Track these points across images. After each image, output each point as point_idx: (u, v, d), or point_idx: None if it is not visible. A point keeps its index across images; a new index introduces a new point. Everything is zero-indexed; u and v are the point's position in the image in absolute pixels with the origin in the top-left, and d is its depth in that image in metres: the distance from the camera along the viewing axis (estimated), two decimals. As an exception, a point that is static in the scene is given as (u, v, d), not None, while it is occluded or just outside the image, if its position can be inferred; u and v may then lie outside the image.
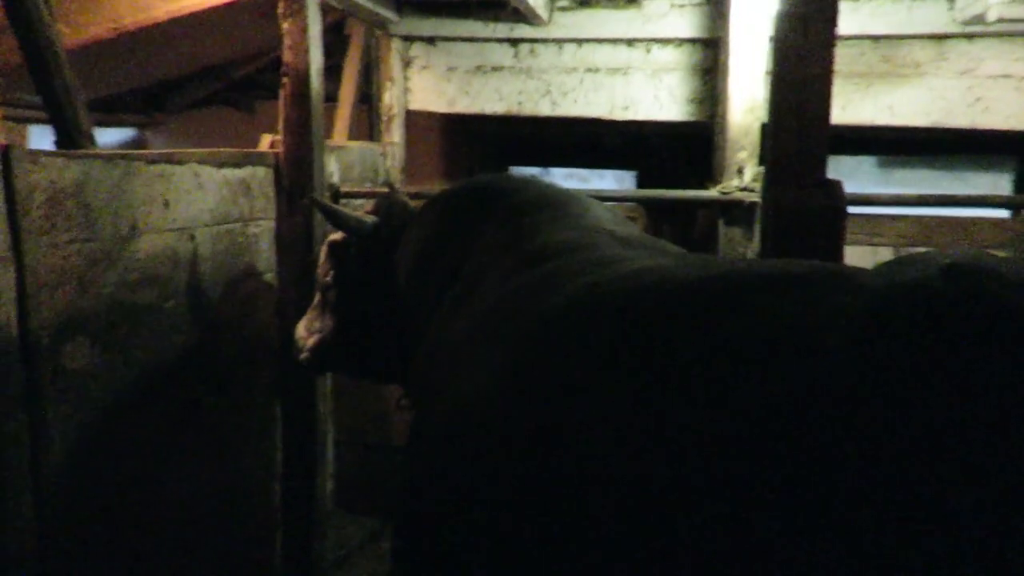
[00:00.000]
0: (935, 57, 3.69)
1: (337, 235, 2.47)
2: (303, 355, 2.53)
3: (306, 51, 2.92)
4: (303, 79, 2.92)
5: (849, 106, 3.71)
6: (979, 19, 3.40)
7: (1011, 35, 3.58)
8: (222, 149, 2.74)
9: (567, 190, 2.16)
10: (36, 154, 1.94)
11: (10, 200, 1.82)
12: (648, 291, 1.23)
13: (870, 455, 0.85)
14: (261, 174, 2.94)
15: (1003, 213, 4.22)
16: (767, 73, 3.29)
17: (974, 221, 3.31)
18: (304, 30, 2.90)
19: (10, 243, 1.82)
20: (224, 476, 2.79)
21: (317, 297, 2.55)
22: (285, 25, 2.92)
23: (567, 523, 1.12)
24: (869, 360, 0.90)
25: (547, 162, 6.12)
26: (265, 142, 3.07)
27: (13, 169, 1.83)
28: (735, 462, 0.94)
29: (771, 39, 3.24)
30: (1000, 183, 4.94)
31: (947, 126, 3.75)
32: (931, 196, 3.09)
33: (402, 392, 2.52)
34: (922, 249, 2.91)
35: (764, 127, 3.34)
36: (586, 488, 1.08)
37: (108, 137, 6.35)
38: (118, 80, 4.95)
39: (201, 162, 2.60)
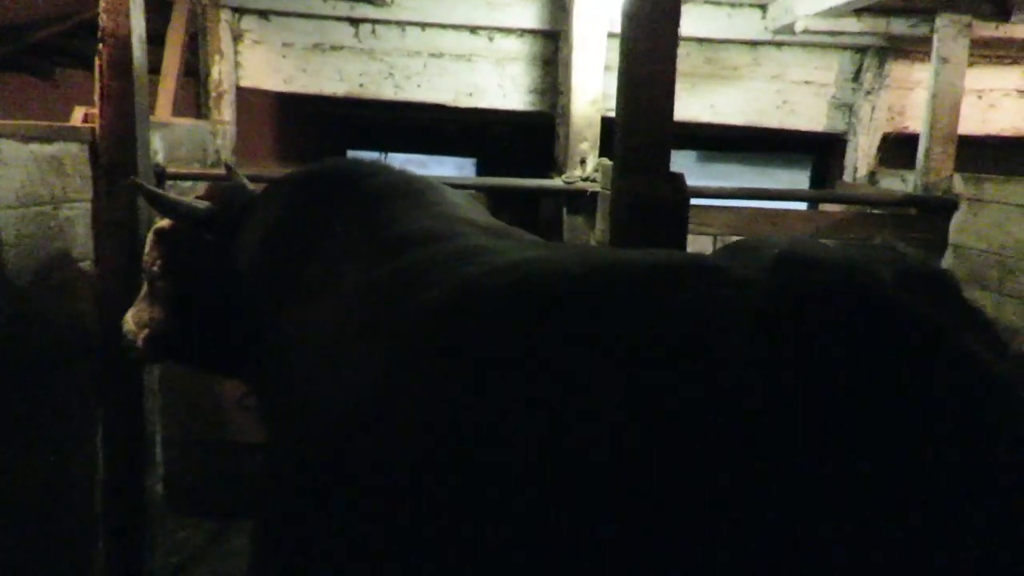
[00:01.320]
0: (750, 62, 4.03)
1: (165, 222, 2.28)
2: (133, 349, 2.32)
3: (127, 15, 2.64)
4: (124, 46, 2.65)
5: (678, 103, 3.94)
6: (788, 29, 3.75)
7: (814, 45, 3.98)
8: (28, 121, 2.43)
9: (422, 177, 2.13)
10: None
11: None
12: (537, 284, 1.23)
13: (780, 450, 0.88)
14: (75, 150, 2.64)
15: (803, 206, 4.71)
16: (607, 68, 3.44)
17: (785, 213, 3.66)
18: (125, -8, 2.63)
19: None
20: (35, 482, 2.49)
21: (145, 287, 2.34)
22: (102, -15, 2.63)
23: (454, 525, 1.11)
24: (772, 358, 0.94)
25: (387, 147, 6.02)
26: (78, 115, 2.75)
27: None
28: (642, 464, 0.94)
29: (610, 35, 3.40)
30: (799, 179, 5.51)
31: (760, 125, 4.12)
32: (757, 189, 3.38)
33: (245, 388, 2.38)
34: (737, 237, 3.17)
35: (606, 120, 3.50)
36: (483, 490, 1.07)
37: None
38: None
39: (3, 135, 2.29)
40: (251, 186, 2.44)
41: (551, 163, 3.76)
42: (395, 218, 1.76)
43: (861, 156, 4.02)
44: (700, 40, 3.98)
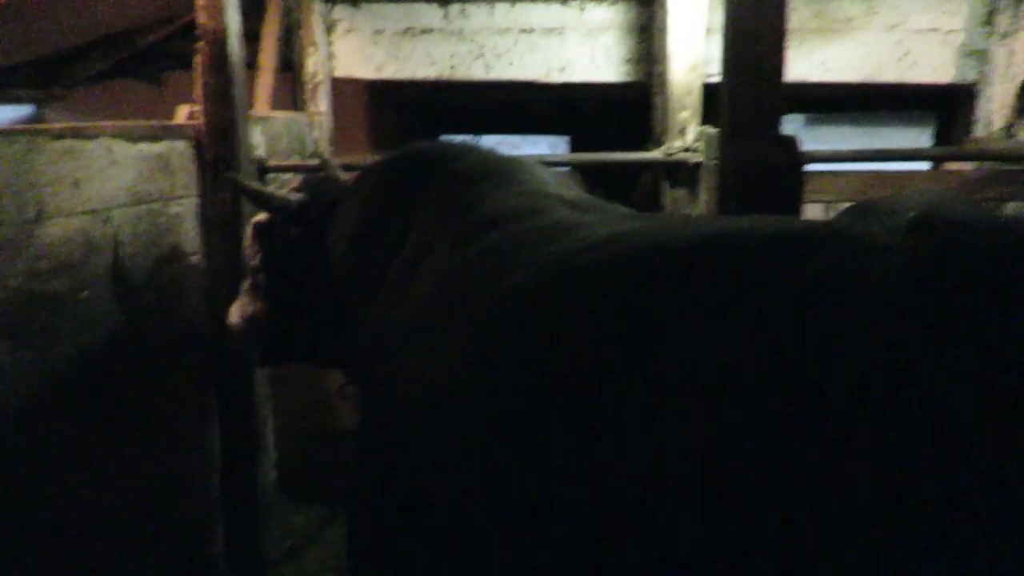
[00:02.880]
0: (866, 11, 3.71)
1: (262, 215, 2.31)
2: (238, 342, 2.38)
3: (223, 11, 2.69)
4: (221, 43, 2.69)
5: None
6: (907, -28, 3.43)
7: (937, -12, 3.63)
8: (137, 122, 2.51)
9: (510, 156, 2.07)
10: (-81, 130, 1.70)
11: None
12: (636, 259, 1.11)
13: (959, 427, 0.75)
14: (181, 148, 2.71)
15: (925, 165, 4.34)
16: (708, 31, 3.24)
17: (908, 175, 3.36)
18: (219, -12, 2.67)
19: None
20: (158, 471, 2.60)
21: (247, 281, 2.38)
22: (198, -16, 2.68)
23: (550, 521, 1.03)
24: (936, 325, 0.79)
25: (478, 129, 5.98)
26: (182, 113, 2.83)
27: None
28: (805, 456, 0.81)
29: (712, -6, 3.20)
30: (921, 139, 5.09)
31: (877, 81, 3.80)
32: (879, 150, 3.10)
33: (344, 378, 2.40)
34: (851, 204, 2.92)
35: (707, 87, 3.31)
36: (587, 485, 0.98)
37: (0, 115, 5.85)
38: (6, 51, 4.53)
39: (114, 136, 2.37)
40: (344, 176, 2.44)
41: (648, 136, 3.60)
42: (481, 198, 1.70)
43: (996, 107, 3.64)
44: (808, -8, 3.70)
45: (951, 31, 3.68)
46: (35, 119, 6.03)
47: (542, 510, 1.05)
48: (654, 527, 0.91)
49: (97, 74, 5.53)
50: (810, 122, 5.33)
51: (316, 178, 2.41)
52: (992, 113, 3.66)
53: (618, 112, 4.90)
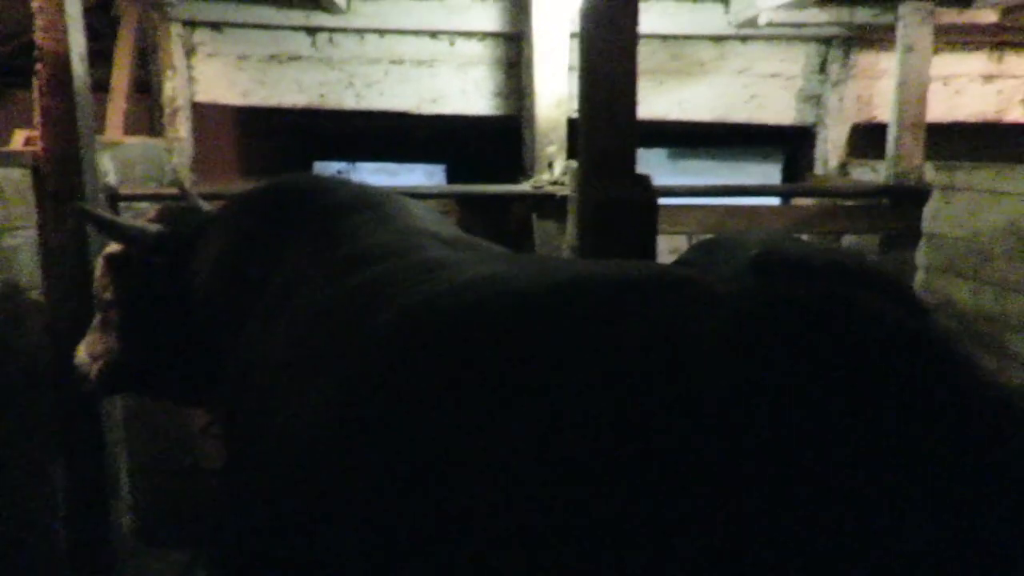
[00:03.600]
0: (716, 56, 3.98)
1: (114, 247, 2.18)
2: (88, 383, 2.22)
3: (64, 32, 2.53)
4: (63, 65, 2.53)
5: (644, 102, 3.84)
6: (751, 22, 3.71)
7: (779, 38, 3.94)
8: (-37, 147, 2.31)
9: (381, 189, 2.06)
10: None
11: None
12: (492, 306, 1.15)
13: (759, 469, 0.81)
14: (17, 176, 2.52)
15: (776, 200, 4.68)
16: (571, 68, 3.37)
17: (758, 209, 3.61)
18: (60, 8, 2.51)
19: None
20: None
21: (98, 316, 2.24)
22: (36, 3, 2.52)
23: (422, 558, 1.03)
24: (750, 379, 0.87)
25: (353, 156, 5.92)
26: (19, 139, 2.64)
27: None
28: (623, 491, 0.86)
29: (573, 35, 3.33)
30: (772, 172, 5.48)
31: (729, 120, 4.07)
32: (727, 186, 3.33)
33: (208, 416, 2.30)
34: (710, 236, 3.11)
35: (571, 121, 3.43)
36: (448, 521, 0.99)
37: None
38: None
39: (-64, 163, 2.17)
40: (206, 205, 2.35)
41: (519, 168, 3.68)
42: (353, 234, 1.69)
43: (831, 147, 3.99)
44: (664, 37, 3.92)
45: (791, 77, 4.00)
46: None
47: (406, 559, 1.04)
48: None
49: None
50: (673, 156, 5.63)
51: (176, 207, 2.30)
52: (828, 152, 4.00)
53: (493, 142, 4.99)
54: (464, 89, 3.94)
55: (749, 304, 0.95)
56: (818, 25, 3.73)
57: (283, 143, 5.74)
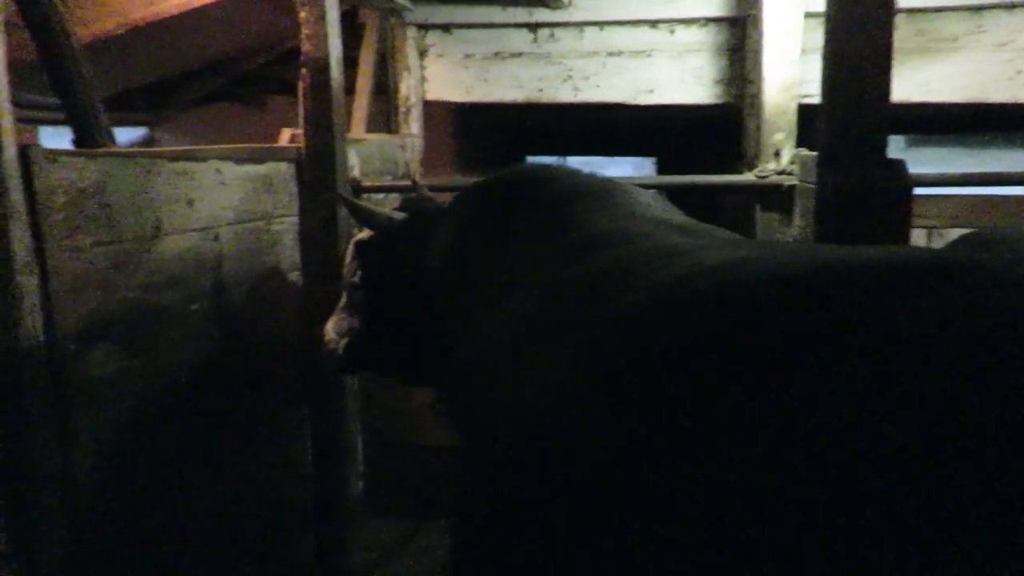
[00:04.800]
0: (972, 30, 3.56)
1: (363, 234, 2.37)
2: (332, 358, 2.44)
3: (325, 39, 2.81)
4: (323, 69, 2.81)
5: (883, 83, 3.59)
6: (1021, -13, 3.27)
7: (1054, 4, 3.45)
8: (244, 145, 2.64)
9: (608, 178, 2.05)
10: (55, 154, 1.84)
11: (31, 202, 1.73)
12: (752, 287, 1.06)
13: None
14: (283, 169, 2.84)
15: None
16: (804, 51, 3.18)
17: (1019, 200, 3.18)
18: (322, 18, 2.79)
19: (32, 247, 1.73)
20: (254, 478, 2.70)
21: (344, 297, 2.45)
22: (302, 14, 2.81)
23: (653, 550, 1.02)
24: None
25: (563, 150, 6.01)
26: (285, 136, 2.97)
27: (33, 170, 1.73)
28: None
29: (808, 14, 3.13)
30: (1032, 160, 4.81)
31: (985, 101, 3.62)
32: (992, 174, 2.94)
33: (436, 395, 2.43)
34: (965, 230, 2.79)
35: (802, 108, 3.23)
36: (682, 507, 0.96)
37: (117, 136, 6.25)
38: (126, 77, 4.85)
39: (223, 159, 2.50)
40: (432, 196, 2.50)
41: (738, 158, 3.54)
42: (581, 220, 1.69)
43: (1119, 129, 3.42)
44: (910, 10, 3.57)
45: (1068, 48, 3.49)
46: (147, 139, 6.42)
47: (650, 549, 1.02)
48: None
49: (203, 97, 5.86)
50: (911, 143, 5.12)
51: (414, 198, 2.47)
52: (1115, 134, 3.44)
53: (706, 132, 4.83)
54: (682, 78, 3.85)
55: None
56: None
57: (496, 139, 5.97)
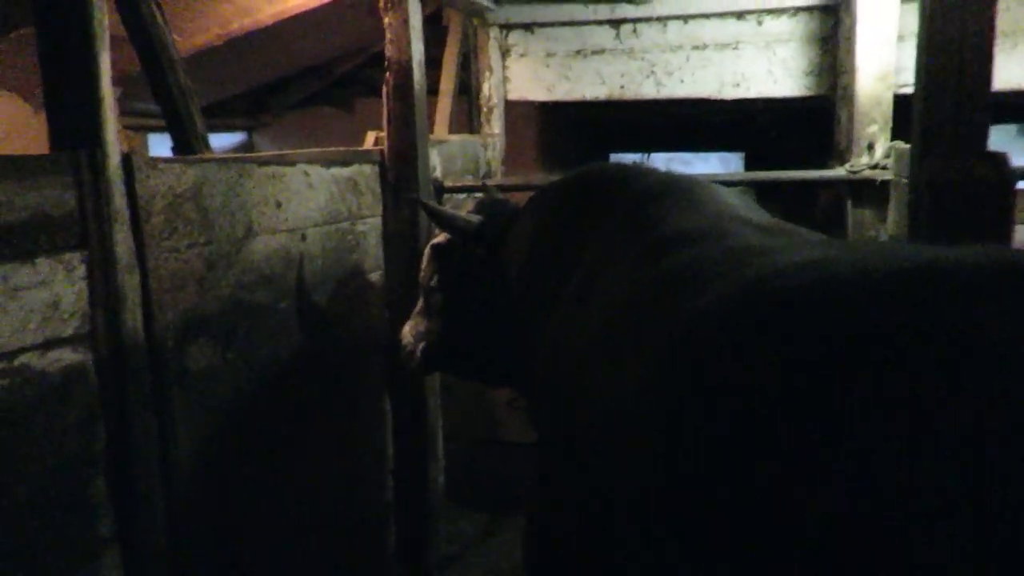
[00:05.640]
0: (1095, 8, 3.29)
1: (439, 237, 2.41)
2: (410, 360, 2.49)
3: (408, 43, 2.87)
4: (406, 72, 2.88)
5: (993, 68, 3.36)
6: None
7: None
8: (330, 148, 2.73)
9: (689, 176, 2.02)
10: (155, 161, 1.96)
11: (133, 207, 1.85)
12: (839, 286, 1.03)
13: None
14: (367, 171, 2.92)
15: None
16: (900, 38, 3.02)
17: None
18: (405, 22, 2.85)
19: (134, 249, 1.85)
20: (340, 469, 2.80)
21: (421, 301, 2.49)
22: (387, 19, 2.89)
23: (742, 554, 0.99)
24: None
25: (647, 146, 5.93)
26: (370, 139, 3.05)
27: (135, 176, 1.85)
28: None
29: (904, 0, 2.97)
30: None
31: (1109, 86, 3.34)
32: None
33: (513, 392, 2.45)
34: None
35: (898, 99, 3.07)
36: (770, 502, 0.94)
37: (217, 141, 6.60)
38: (225, 85, 5.11)
39: (310, 162, 2.60)
40: (504, 198, 2.52)
41: (829, 151, 3.40)
42: (662, 219, 1.67)
43: None
44: (1023, -9, 3.34)
45: None
46: (246, 144, 6.74)
47: (734, 543, 1.01)
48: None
49: (297, 102, 6.10)
50: (1023, 132, 4.78)
51: (489, 199, 2.49)
52: None
53: (798, 126, 4.66)
54: (770, 70, 3.73)
55: None
56: None
57: (579, 136, 5.95)
